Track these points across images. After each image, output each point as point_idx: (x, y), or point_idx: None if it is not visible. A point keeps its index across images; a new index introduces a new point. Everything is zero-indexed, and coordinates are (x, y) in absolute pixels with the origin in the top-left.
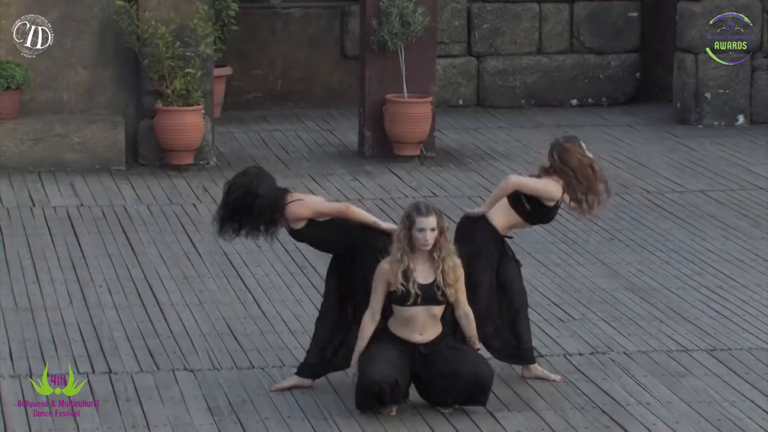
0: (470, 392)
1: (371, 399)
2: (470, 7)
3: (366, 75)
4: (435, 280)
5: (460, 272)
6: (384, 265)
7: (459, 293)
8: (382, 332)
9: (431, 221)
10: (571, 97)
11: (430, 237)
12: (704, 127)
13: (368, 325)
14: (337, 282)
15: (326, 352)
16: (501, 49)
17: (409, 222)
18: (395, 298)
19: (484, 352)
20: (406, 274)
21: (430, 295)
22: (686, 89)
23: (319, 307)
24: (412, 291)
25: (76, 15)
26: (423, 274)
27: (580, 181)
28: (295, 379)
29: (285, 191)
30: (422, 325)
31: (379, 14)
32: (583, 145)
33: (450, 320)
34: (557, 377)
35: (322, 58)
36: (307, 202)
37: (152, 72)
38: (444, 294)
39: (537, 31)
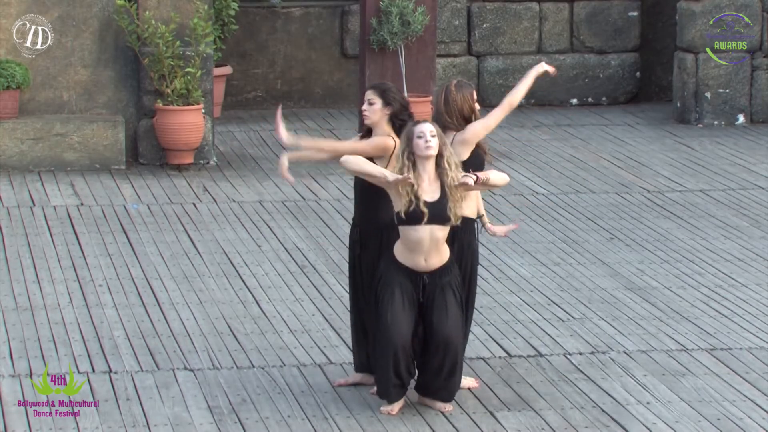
0: (438, 359)
1: (394, 365)
2: (470, 6)
3: (366, 74)
4: (441, 197)
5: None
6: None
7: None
8: (390, 263)
9: (429, 125)
10: (571, 97)
11: (432, 140)
12: (704, 127)
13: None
14: (353, 279)
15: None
16: (501, 48)
17: (408, 136)
18: (405, 218)
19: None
20: (414, 192)
21: (436, 212)
22: (686, 88)
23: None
24: (421, 207)
25: (76, 14)
26: (428, 193)
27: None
28: (358, 377)
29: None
30: (427, 251)
31: (379, 13)
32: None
33: (457, 246)
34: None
35: (322, 58)
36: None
37: (152, 71)
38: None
39: (537, 30)
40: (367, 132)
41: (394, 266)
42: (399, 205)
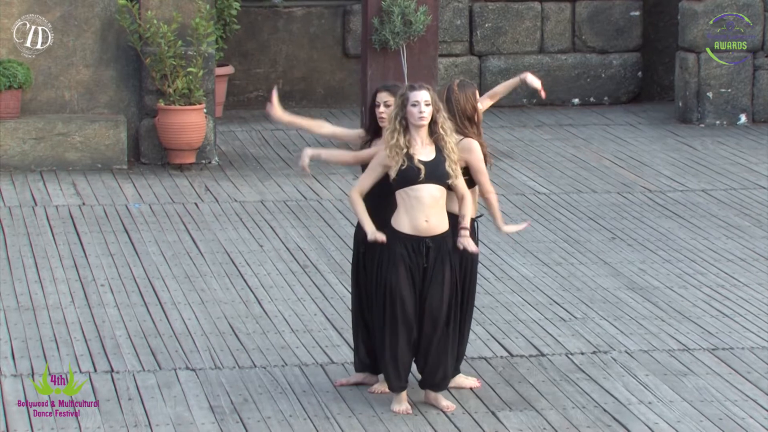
0: (427, 337)
1: (408, 344)
2: (472, 6)
3: (368, 74)
4: (436, 157)
5: (461, 154)
6: (382, 153)
7: (460, 178)
8: (391, 237)
9: (424, 94)
10: (573, 96)
11: (425, 110)
12: (706, 126)
13: (358, 198)
14: (356, 277)
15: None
16: (503, 48)
17: (402, 101)
18: (402, 178)
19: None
20: (408, 153)
21: (432, 171)
22: (688, 88)
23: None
24: (416, 164)
25: (78, 14)
26: (422, 154)
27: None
28: (360, 376)
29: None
30: (428, 209)
31: (380, 13)
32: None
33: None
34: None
35: (323, 57)
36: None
37: (154, 71)
38: (449, 170)
39: (539, 30)
40: (370, 131)
41: (394, 238)
42: (394, 173)
